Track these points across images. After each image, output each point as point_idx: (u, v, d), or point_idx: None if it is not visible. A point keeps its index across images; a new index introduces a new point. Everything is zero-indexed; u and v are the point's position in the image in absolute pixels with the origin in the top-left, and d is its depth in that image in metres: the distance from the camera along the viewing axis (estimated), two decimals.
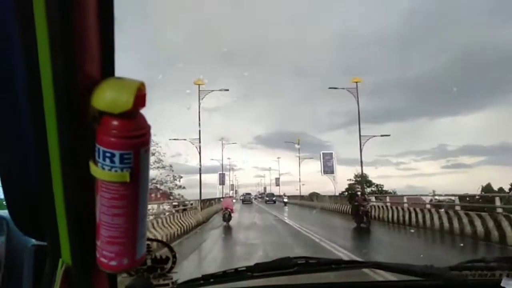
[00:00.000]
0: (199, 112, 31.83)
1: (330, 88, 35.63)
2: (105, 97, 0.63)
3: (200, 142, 31.82)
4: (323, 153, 48.94)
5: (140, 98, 0.63)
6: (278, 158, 72.79)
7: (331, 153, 48.64)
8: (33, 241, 0.80)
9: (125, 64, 0.69)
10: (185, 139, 33.41)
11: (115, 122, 0.63)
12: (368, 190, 44.87)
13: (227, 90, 35.44)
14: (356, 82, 33.45)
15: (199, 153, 31.09)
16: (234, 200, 25.73)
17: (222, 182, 59.52)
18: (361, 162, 32.47)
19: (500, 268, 1.07)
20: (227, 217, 19.97)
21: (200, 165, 31.03)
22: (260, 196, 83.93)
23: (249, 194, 61.36)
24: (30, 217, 0.76)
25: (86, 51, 0.66)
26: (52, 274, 0.75)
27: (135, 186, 0.67)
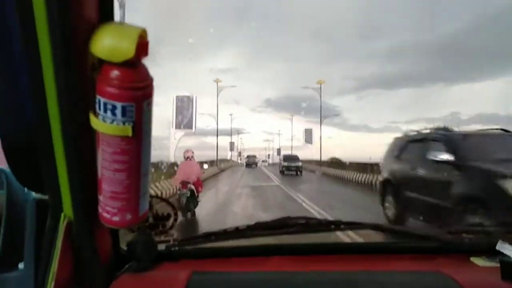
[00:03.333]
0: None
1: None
2: (105, 44, 0.59)
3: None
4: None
5: (142, 47, 0.59)
6: (291, 116, 64.04)
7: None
8: (34, 194, 0.80)
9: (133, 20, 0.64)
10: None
11: (116, 72, 0.60)
12: None
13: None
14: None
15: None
16: (206, 167, 16.40)
17: (231, 148, 58.99)
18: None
19: (497, 232, 1.09)
20: (184, 205, 7.91)
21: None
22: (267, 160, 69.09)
23: (254, 156, 48.61)
24: (30, 170, 0.74)
25: None
26: (54, 228, 0.74)
27: (138, 141, 0.65)
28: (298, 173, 27.08)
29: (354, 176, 20.64)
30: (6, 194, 0.86)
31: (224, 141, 56.11)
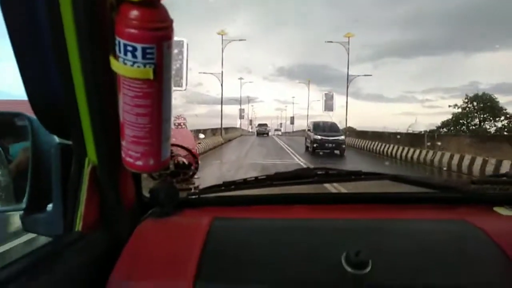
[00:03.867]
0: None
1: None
2: None
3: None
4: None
5: None
6: (308, 81, 55.94)
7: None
8: (58, 139, 0.81)
9: None
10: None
11: (135, 12, 0.58)
12: None
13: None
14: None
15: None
16: (202, 136, 14.96)
17: (241, 116, 55.49)
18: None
19: None
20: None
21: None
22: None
23: (265, 124, 48.40)
24: (53, 115, 0.75)
25: None
26: (79, 172, 0.76)
27: (159, 84, 0.64)
28: (339, 152, 17.71)
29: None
30: (31, 140, 0.87)
31: (235, 109, 54.10)
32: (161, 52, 0.61)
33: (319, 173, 1.11)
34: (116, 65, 0.62)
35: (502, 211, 0.95)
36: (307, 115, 53.04)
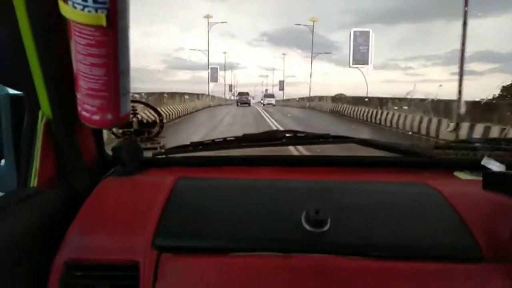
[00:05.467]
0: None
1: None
2: None
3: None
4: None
5: None
6: (283, 55, 56.20)
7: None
8: (8, 90, 0.76)
9: None
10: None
11: None
12: None
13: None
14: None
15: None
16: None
17: (214, 79, 45.55)
18: None
19: (483, 149, 1.10)
20: None
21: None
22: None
23: (246, 93, 40.49)
24: (2, 66, 0.70)
25: None
26: (32, 126, 0.72)
27: (114, 33, 0.60)
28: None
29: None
30: None
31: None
32: None
33: (288, 135, 1.10)
34: (65, 9, 0.58)
35: (462, 175, 0.98)
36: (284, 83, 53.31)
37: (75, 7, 0.56)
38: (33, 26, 0.61)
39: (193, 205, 0.78)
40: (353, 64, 31.62)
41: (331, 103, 23.86)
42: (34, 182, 0.72)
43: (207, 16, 35.40)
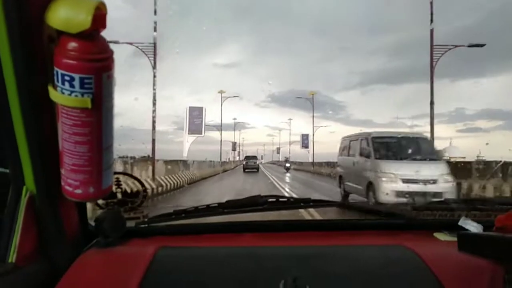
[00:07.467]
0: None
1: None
2: (61, 15, 0.59)
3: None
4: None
5: (99, 18, 0.59)
6: (289, 120, 60.19)
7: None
8: None
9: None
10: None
11: (73, 43, 0.60)
12: None
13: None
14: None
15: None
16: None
17: (233, 148, 59.21)
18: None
19: (460, 209, 1.13)
20: None
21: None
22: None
23: (255, 157, 35.65)
24: None
25: None
26: (16, 201, 0.74)
27: (98, 113, 0.65)
28: None
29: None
30: None
31: (227, 134, 53.64)
32: (100, 82, 0.63)
33: (270, 200, 1.13)
34: (54, 94, 0.63)
35: (441, 236, 1.00)
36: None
37: (63, 93, 0.62)
38: (23, 110, 0.66)
39: (171, 276, 0.78)
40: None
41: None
42: (12, 257, 0.72)
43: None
